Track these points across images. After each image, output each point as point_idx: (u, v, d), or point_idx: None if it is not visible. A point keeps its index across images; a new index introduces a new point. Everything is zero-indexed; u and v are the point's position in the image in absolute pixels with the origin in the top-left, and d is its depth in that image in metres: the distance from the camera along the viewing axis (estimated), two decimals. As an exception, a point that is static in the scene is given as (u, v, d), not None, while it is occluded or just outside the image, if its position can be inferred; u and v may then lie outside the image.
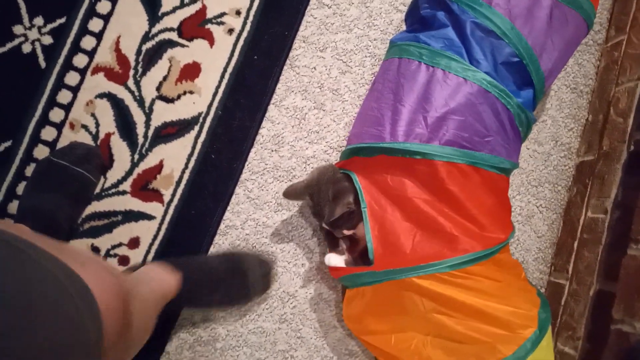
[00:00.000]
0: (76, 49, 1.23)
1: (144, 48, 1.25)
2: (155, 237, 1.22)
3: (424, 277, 1.00)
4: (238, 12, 1.29)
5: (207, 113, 1.26)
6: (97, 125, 1.23)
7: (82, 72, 1.23)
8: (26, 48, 1.22)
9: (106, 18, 1.24)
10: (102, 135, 1.23)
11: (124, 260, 1.20)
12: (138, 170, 1.23)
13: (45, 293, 0.54)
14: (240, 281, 1.14)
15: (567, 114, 1.39)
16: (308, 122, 1.30)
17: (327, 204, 1.09)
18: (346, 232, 1.10)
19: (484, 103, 1.02)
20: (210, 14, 1.28)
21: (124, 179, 1.22)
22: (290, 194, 1.17)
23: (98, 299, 0.60)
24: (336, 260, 1.13)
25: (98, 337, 0.59)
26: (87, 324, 0.58)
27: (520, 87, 1.05)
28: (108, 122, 1.23)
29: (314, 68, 1.31)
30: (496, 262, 1.05)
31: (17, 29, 1.22)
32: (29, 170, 1.20)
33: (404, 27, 1.29)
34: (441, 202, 1.03)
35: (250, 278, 1.15)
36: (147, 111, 1.24)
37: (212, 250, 1.23)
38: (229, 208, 1.25)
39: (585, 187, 1.31)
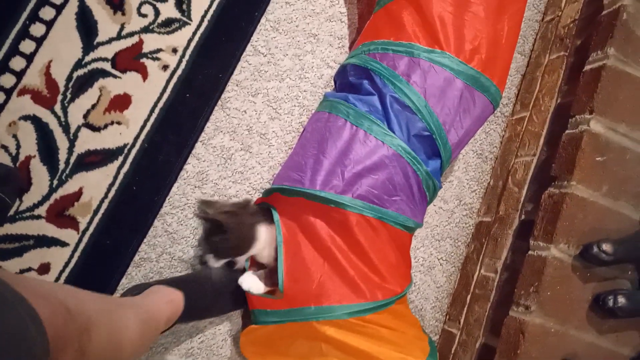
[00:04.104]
0: (4, 68, 1.22)
1: (75, 75, 1.25)
2: (67, 264, 1.21)
3: (322, 322, 1.08)
4: (175, 50, 1.32)
5: (133, 145, 1.27)
6: (18, 147, 1.21)
7: (8, 92, 1.22)
8: (-50, 61, 1.20)
9: (39, 41, 1.24)
10: (22, 157, 1.21)
11: (31, 286, 1.18)
12: (56, 195, 1.22)
13: None
14: (238, 288, 1.18)
15: (472, 177, 1.52)
16: (234, 162, 1.35)
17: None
18: (210, 261, 1.15)
19: (396, 166, 1.12)
20: (146, 49, 1.30)
21: (41, 203, 1.21)
22: (206, 203, 1.22)
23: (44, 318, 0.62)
24: (252, 281, 1.17)
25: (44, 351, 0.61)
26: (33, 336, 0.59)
27: (429, 157, 1.16)
28: (30, 145, 1.22)
29: (245, 111, 1.36)
30: (392, 312, 1.14)
31: (-58, 41, 1.20)
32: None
33: (332, 83, 1.38)
34: (349, 249, 1.11)
35: None
36: (72, 137, 1.24)
37: (124, 281, 1.24)
38: (145, 240, 1.27)
39: (482, 245, 1.44)
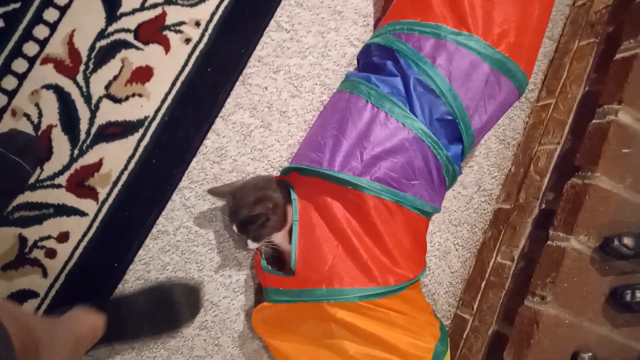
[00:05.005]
0: (28, 36, 1.22)
1: (97, 45, 1.25)
2: (85, 233, 1.23)
3: (333, 304, 1.08)
4: (197, 23, 1.31)
5: (154, 118, 1.27)
6: (40, 115, 1.22)
7: (31, 60, 1.22)
8: (-26, 28, 1.20)
9: (63, 10, 1.23)
10: (43, 127, 1.22)
11: (51, 253, 1.20)
12: (76, 165, 1.23)
13: None
14: (167, 313, 1.19)
15: (493, 163, 1.50)
16: (253, 139, 1.34)
17: (245, 206, 1.15)
18: (250, 244, 1.17)
19: (416, 150, 1.10)
20: (169, 21, 1.29)
21: (61, 172, 1.22)
22: (216, 192, 1.23)
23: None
24: None
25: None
26: None
27: (451, 142, 1.15)
28: (51, 114, 1.23)
29: (266, 88, 1.35)
30: (403, 297, 1.14)
31: (-33, 7, 1.20)
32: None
33: (355, 62, 1.36)
34: (364, 232, 1.11)
35: (178, 308, 1.20)
36: (93, 108, 1.24)
37: (141, 252, 1.26)
38: (163, 213, 1.28)
39: (499, 232, 1.43)
